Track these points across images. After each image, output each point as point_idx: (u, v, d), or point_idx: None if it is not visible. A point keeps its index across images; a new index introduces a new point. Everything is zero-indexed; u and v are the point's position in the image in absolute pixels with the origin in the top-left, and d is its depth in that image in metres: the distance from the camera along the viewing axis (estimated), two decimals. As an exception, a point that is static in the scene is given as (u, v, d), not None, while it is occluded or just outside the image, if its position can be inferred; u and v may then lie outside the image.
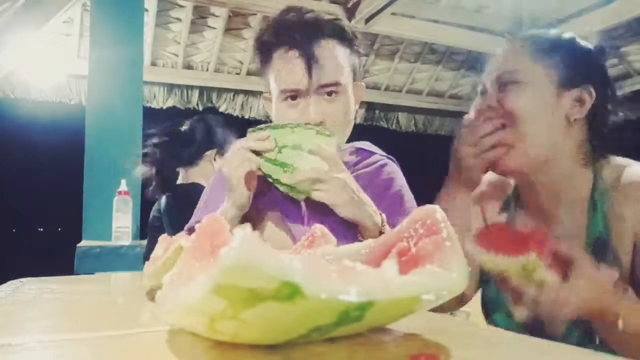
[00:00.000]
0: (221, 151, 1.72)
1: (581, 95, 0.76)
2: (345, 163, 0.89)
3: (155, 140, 1.74)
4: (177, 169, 1.72)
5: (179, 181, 1.73)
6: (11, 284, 0.59)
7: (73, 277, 0.84)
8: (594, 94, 0.76)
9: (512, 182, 0.87)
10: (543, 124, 0.75)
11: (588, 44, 0.82)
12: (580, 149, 0.78)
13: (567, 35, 0.82)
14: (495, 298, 0.84)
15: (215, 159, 1.72)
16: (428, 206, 0.32)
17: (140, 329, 0.34)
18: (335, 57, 0.91)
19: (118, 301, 0.49)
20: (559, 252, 0.60)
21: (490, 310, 0.86)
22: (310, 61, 0.88)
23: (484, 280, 0.87)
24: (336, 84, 0.89)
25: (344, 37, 0.94)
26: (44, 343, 0.30)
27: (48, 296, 0.51)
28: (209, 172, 1.69)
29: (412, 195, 0.96)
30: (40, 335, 0.32)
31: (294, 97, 0.90)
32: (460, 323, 0.36)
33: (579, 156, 0.78)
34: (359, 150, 1.00)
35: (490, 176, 0.87)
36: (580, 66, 0.78)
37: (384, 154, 1.02)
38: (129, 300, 0.49)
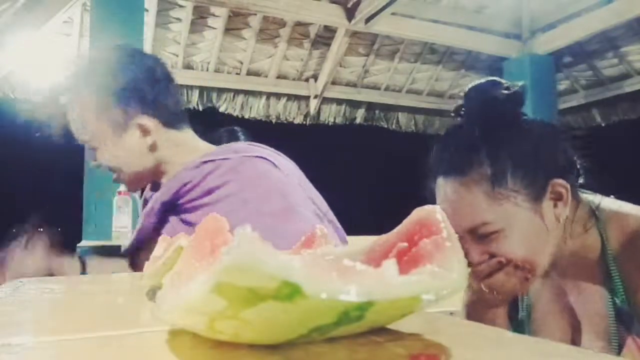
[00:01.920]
0: None
1: (555, 191, 0.71)
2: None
3: None
4: None
5: None
6: (11, 284, 0.59)
7: (73, 277, 0.84)
8: (565, 182, 0.71)
9: None
10: (544, 244, 0.71)
11: (531, 128, 0.75)
12: (575, 222, 0.73)
13: (503, 141, 0.73)
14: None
15: None
16: (428, 206, 0.32)
17: (140, 329, 0.34)
18: (81, 114, 0.95)
19: (118, 301, 0.49)
20: None
21: None
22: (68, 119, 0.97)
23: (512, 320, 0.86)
24: (88, 140, 0.96)
25: (97, 85, 0.95)
26: (44, 343, 0.30)
27: (48, 296, 0.51)
28: None
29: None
30: (40, 335, 0.32)
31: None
32: (460, 323, 0.36)
33: (576, 229, 0.74)
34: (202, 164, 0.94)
35: None
36: (539, 168, 0.71)
37: (247, 152, 0.94)
38: (129, 300, 0.49)
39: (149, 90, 0.96)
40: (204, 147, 1.03)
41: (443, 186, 0.74)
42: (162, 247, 0.50)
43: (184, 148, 1.00)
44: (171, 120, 0.99)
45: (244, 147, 0.98)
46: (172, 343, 0.29)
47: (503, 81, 0.77)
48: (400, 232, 0.32)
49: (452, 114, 0.81)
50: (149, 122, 0.95)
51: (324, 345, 0.27)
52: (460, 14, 3.83)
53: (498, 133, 0.72)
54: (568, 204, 0.71)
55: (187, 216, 0.94)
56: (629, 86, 4.19)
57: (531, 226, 0.70)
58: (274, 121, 4.26)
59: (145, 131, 0.95)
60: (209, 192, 0.90)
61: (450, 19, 3.78)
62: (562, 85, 4.56)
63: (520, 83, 0.77)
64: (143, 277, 0.50)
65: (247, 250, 0.21)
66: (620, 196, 0.77)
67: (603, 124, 4.57)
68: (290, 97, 4.25)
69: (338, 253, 0.35)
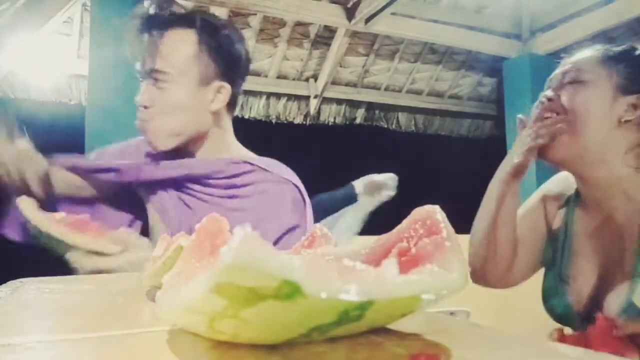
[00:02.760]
0: None
1: (636, 102, 0.81)
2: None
3: None
4: None
5: None
6: (11, 284, 0.59)
7: (73, 277, 0.84)
8: None
9: (573, 181, 0.92)
10: (595, 120, 0.81)
11: None
12: (633, 153, 0.82)
13: (636, 47, 0.88)
14: (554, 285, 0.89)
15: None
16: (428, 206, 0.32)
17: (140, 329, 0.34)
18: (177, 46, 0.92)
19: (118, 301, 0.49)
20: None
21: (548, 296, 0.91)
22: (148, 44, 0.92)
23: (547, 266, 0.92)
24: (165, 72, 0.91)
25: (203, 30, 0.94)
26: (44, 343, 0.30)
27: (48, 296, 0.51)
28: None
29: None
30: (40, 335, 0.32)
31: (140, 79, 0.96)
32: (461, 323, 0.36)
33: (632, 160, 0.82)
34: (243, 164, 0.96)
35: (555, 177, 0.97)
36: (637, 78, 0.83)
37: (282, 176, 0.96)
38: (129, 300, 0.49)
39: (239, 69, 1.00)
40: (237, 144, 1.05)
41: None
42: (162, 247, 0.50)
43: (226, 134, 1.02)
44: (233, 105, 1.02)
45: (284, 169, 0.99)
46: (172, 343, 0.29)
47: None
48: (400, 232, 0.32)
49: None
50: (226, 90, 0.97)
51: (324, 345, 0.27)
52: (460, 14, 3.83)
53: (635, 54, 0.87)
54: (635, 116, 0.81)
55: (191, 200, 0.95)
56: (629, 86, 4.19)
57: (602, 99, 0.81)
58: (274, 121, 4.26)
59: (223, 94, 0.96)
60: (232, 196, 0.93)
61: (450, 19, 3.78)
62: (562, 85, 4.55)
63: None
64: (143, 277, 0.50)
65: (247, 249, 0.21)
66: None
67: (603, 124, 4.57)
68: (290, 97, 4.25)
69: (338, 253, 0.35)
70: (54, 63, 3.37)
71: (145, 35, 0.92)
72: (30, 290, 0.55)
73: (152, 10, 0.93)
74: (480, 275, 0.92)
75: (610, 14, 3.35)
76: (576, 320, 0.84)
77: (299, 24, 3.74)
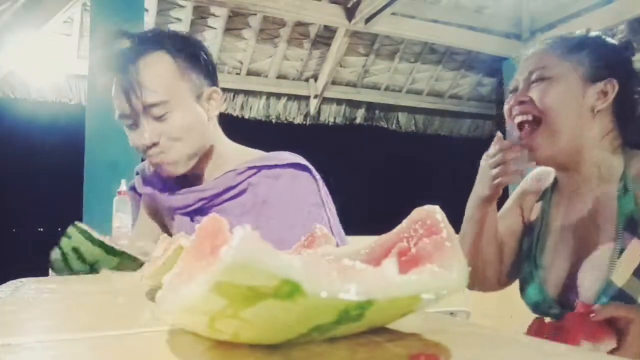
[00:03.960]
0: None
1: (605, 88, 0.83)
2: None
3: None
4: None
5: None
6: (11, 284, 0.59)
7: (73, 277, 0.84)
8: (617, 86, 0.83)
9: (552, 173, 0.95)
10: (570, 115, 0.82)
11: (614, 40, 0.88)
12: (608, 138, 0.84)
13: (593, 33, 0.89)
14: (529, 274, 0.91)
15: None
16: (428, 206, 0.32)
17: (140, 329, 0.34)
18: (159, 73, 0.89)
19: (118, 301, 0.49)
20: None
21: (524, 285, 0.92)
22: (127, 84, 0.88)
23: (525, 257, 0.94)
24: (161, 102, 0.88)
25: (171, 47, 0.91)
26: (44, 343, 0.30)
27: (48, 296, 0.51)
28: None
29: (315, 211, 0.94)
30: (40, 335, 0.32)
31: (130, 123, 0.92)
32: (460, 323, 0.36)
33: (607, 145, 0.84)
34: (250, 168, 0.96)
35: (532, 173, 0.98)
36: (604, 61, 0.84)
37: (293, 161, 0.97)
38: (129, 300, 0.49)
39: (215, 71, 1.00)
40: (234, 146, 1.05)
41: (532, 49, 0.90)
42: (162, 247, 0.50)
43: (223, 140, 1.02)
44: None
45: (288, 157, 0.98)
46: (172, 343, 0.29)
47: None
48: (400, 232, 0.32)
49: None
50: (217, 94, 0.97)
51: (324, 345, 0.27)
52: (460, 14, 3.83)
53: (591, 37, 0.88)
54: (607, 102, 0.82)
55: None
56: (629, 86, 4.19)
57: (571, 92, 0.82)
58: (274, 121, 4.26)
59: (216, 99, 0.96)
60: (249, 206, 0.94)
61: (450, 19, 3.78)
62: (562, 85, 4.56)
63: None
64: (143, 277, 0.50)
65: (247, 249, 0.21)
66: None
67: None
68: (290, 97, 4.25)
69: (338, 253, 0.35)
70: (54, 63, 3.37)
71: (121, 75, 0.90)
72: (30, 290, 0.55)
73: (115, 49, 0.92)
74: (472, 285, 0.95)
75: (610, 14, 3.35)
76: (553, 307, 0.85)
77: (299, 24, 3.74)
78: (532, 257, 0.91)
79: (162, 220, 1.08)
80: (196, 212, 0.97)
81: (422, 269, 0.26)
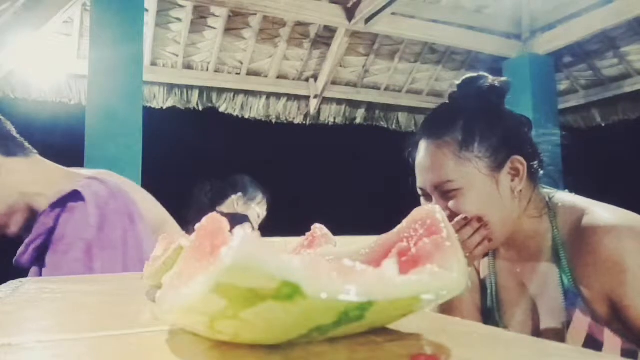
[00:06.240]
0: (244, 197, 2.17)
1: (513, 167, 0.82)
2: None
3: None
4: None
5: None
6: (11, 284, 0.59)
7: (73, 277, 0.84)
8: (523, 161, 0.82)
9: None
10: (496, 209, 0.81)
11: (503, 111, 0.86)
12: (533, 204, 0.84)
13: (478, 115, 0.84)
14: None
15: (237, 204, 2.15)
16: (428, 206, 0.32)
17: (140, 329, 0.34)
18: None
19: (118, 301, 0.49)
20: None
21: None
22: None
23: (485, 317, 0.94)
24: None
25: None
26: (44, 343, 0.30)
27: (48, 296, 0.51)
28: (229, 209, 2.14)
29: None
30: (40, 335, 0.32)
31: None
32: (460, 323, 0.36)
33: (533, 211, 0.84)
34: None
35: None
36: (503, 143, 0.82)
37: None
38: (129, 300, 0.49)
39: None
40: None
41: (422, 147, 0.86)
42: (162, 247, 0.50)
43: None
44: None
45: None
46: (172, 343, 0.29)
47: (491, 77, 0.89)
48: (400, 232, 0.32)
49: (448, 98, 0.93)
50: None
51: (324, 345, 0.27)
52: (460, 14, 3.82)
53: (475, 113, 0.84)
54: (523, 180, 0.82)
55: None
56: (629, 86, 4.19)
57: (487, 190, 0.81)
58: (274, 121, 4.26)
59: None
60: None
61: (450, 19, 3.78)
62: (562, 85, 4.56)
63: (504, 79, 0.88)
64: (143, 277, 0.50)
65: (247, 250, 0.21)
66: (618, 195, 0.81)
67: (603, 124, 4.57)
68: (290, 97, 4.25)
69: (338, 253, 0.35)
70: (54, 63, 3.37)
71: None
72: (30, 290, 0.55)
73: None
74: None
75: (610, 14, 3.35)
76: None
77: (299, 24, 3.74)
78: (493, 319, 0.91)
79: None
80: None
81: (422, 269, 0.26)
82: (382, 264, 0.26)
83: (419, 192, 0.88)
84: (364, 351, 0.27)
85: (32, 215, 0.98)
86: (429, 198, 0.85)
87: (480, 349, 0.29)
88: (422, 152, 0.86)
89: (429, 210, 0.32)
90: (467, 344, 0.30)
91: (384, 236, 0.34)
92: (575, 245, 0.78)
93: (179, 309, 0.25)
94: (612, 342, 0.74)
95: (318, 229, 0.44)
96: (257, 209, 2.19)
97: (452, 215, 0.81)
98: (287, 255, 0.22)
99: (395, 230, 0.33)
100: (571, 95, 4.59)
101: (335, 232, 0.46)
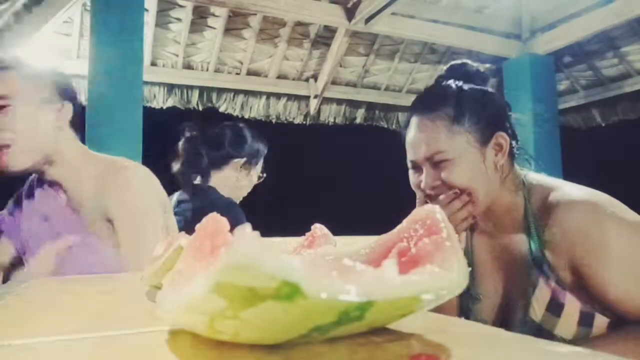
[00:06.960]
0: (249, 162, 1.71)
1: (497, 142, 0.88)
2: None
3: (187, 134, 1.73)
4: (201, 169, 1.68)
5: (195, 182, 1.66)
6: (13, 284, 0.59)
7: (73, 277, 0.84)
8: (507, 137, 0.89)
9: None
10: (482, 183, 0.87)
11: (489, 92, 0.93)
12: (510, 177, 0.91)
13: (457, 84, 0.92)
14: (467, 305, 0.97)
15: (241, 169, 1.69)
16: (428, 206, 0.32)
17: (140, 329, 0.34)
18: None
19: (118, 301, 0.49)
20: None
21: (463, 316, 0.98)
22: None
23: None
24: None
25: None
26: (44, 343, 0.30)
27: (49, 296, 0.51)
28: (230, 180, 1.67)
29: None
30: (40, 335, 0.32)
31: None
32: (460, 323, 0.36)
33: (510, 185, 0.90)
34: None
35: None
36: (489, 120, 0.89)
37: None
38: (129, 300, 0.49)
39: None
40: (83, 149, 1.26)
41: (414, 122, 0.92)
42: (162, 247, 0.50)
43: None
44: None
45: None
46: (172, 343, 0.29)
47: (475, 64, 0.99)
48: (400, 232, 0.32)
49: (435, 81, 1.00)
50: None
51: (324, 345, 0.27)
52: (460, 14, 3.82)
53: (464, 91, 0.91)
54: (505, 155, 0.88)
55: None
56: (629, 86, 4.19)
57: (475, 162, 0.87)
58: (274, 121, 4.26)
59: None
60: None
61: (450, 19, 3.77)
62: (562, 85, 4.56)
63: (488, 65, 0.97)
64: (143, 277, 0.50)
65: (247, 250, 0.21)
66: (618, 195, 0.84)
67: (603, 124, 4.57)
68: (290, 97, 4.25)
69: (338, 253, 0.35)
70: (54, 63, 3.37)
71: None
72: (32, 290, 0.55)
73: None
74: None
75: (610, 14, 3.35)
76: None
77: (299, 24, 3.74)
78: (468, 288, 0.95)
79: None
80: None
81: (422, 269, 0.26)
82: (382, 264, 0.26)
83: (409, 164, 0.94)
84: (364, 351, 0.27)
85: None
86: (419, 170, 0.91)
87: (480, 349, 0.29)
88: (415, 126, 0.91)
89: (429, 210, 0.32)
90: (467, 344, 0.30)
91: (384, 236, 0.34)
92: (544, 217, 0.84)
93: (179, 308, 0.25)
94: (572, 304, 0.80)
95: (318, 229, 0.44)
96: (255, 176, 1.77)
97: (443, 186, 0.87)
98: (287, 255, 0.22)
99: (395, 230, 0.33)
100: (571, 95, 4.59)
101: (335, 232, 0.46)
